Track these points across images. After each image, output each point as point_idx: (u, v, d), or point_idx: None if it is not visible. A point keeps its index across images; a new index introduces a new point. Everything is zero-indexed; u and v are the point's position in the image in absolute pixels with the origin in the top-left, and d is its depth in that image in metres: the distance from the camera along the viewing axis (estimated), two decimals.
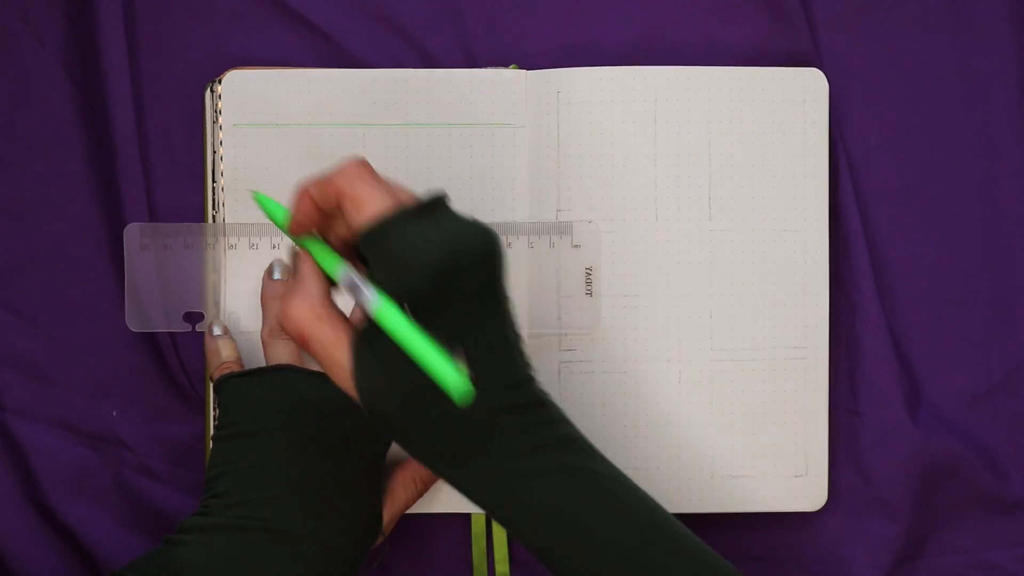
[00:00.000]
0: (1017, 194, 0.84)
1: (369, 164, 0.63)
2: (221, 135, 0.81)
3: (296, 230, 0.65)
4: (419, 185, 0.80)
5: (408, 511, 0.79)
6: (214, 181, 0.81)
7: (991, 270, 0.84)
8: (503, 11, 0.83)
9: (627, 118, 0.81)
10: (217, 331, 0.79)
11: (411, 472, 0.76)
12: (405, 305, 0.61)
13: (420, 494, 0.77)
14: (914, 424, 0.82)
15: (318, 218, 0.64)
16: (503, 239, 0.80)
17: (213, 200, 0.81)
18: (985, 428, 0.84)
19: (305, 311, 0.63)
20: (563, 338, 0.81)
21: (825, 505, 0.82)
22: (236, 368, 0.77)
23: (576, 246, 0.80)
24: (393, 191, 0.63)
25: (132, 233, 0.79)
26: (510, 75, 0.81)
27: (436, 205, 0.63)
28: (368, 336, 0.61)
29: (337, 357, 0.63)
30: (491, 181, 0.81)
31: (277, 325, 0.77)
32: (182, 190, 0.82)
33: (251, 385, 0.73)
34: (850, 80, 0.83)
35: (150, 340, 0.82)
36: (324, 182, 0.63)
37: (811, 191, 0.81)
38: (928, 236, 0.84)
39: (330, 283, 0.65)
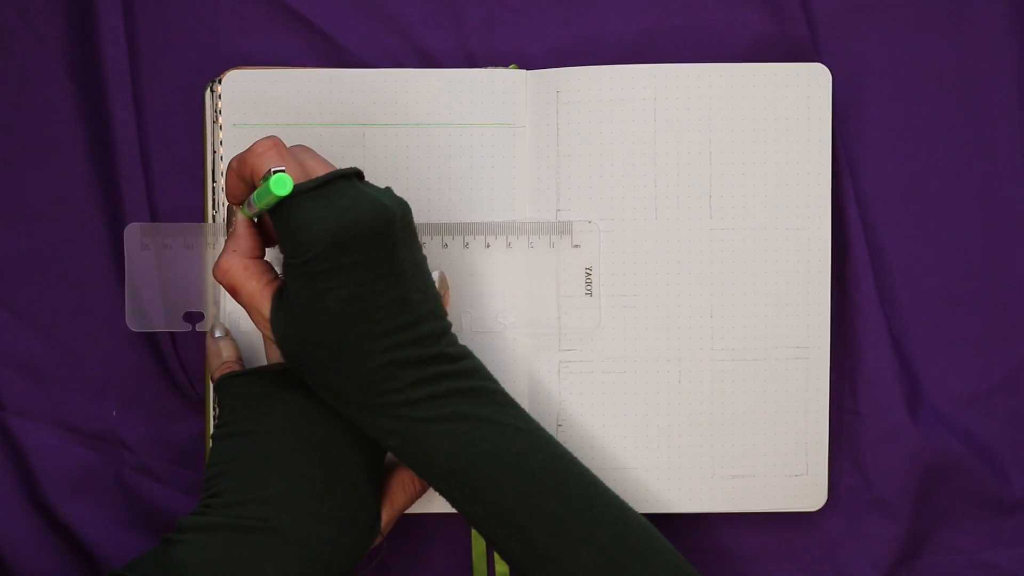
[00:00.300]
0: (1017, 194, 0.84)
1: (280, 143, 0.69)
2: (221, 135, 0.81)
3: (230, 199, 0.72)
4: (419, 184, 0.81)
5: (407, 511, 0.79)
6: (214, 181, 0.81)
7: (991, 270, 0.84)
8: (503, 11, 0.83)
9: (627, 117, 0.81)
10: (219, 333, 0.78)
11: (409, 473, 0.76)
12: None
13: (418, 495, 0.77)
14: (914, 424, 0.82)
15: (244, 188, 0.70)
16: (504, 238, 0.80)
17: (213, 200, 0.81)
18: (985, 428, 0.84)
19: (235, 263, 0.70)
20: (563, 338, 0.81)
21: (825, 505, 0.81)
22: (237, 368, 0.77)
23: (576, 246, 0.80)
24: (303, 167, 0.69)
25: (132, 233, 0.79)
26: (510, 75, 0.81)
27: (336, 181, 0.68)
28: (285, 291, 0.68)
29: (260, 307, 0.69)
30: (491, 181, 0.81)
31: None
32: (182, 190, 0.82)
33: (251, 385, 0.73)
34: (850, 80, 0.83)
35: (150, 340, 0.82)
36: (241, 159, 0.69)
37: (813, 188, 0.81)
38: (928, 236, 0.84)
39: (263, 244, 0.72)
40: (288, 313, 0.68)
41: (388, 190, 0.70)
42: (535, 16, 0.83)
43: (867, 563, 0.83)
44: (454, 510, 0.78)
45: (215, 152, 0.81)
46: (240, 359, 0.78)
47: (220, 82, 0.80)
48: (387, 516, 0.75)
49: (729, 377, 0.81)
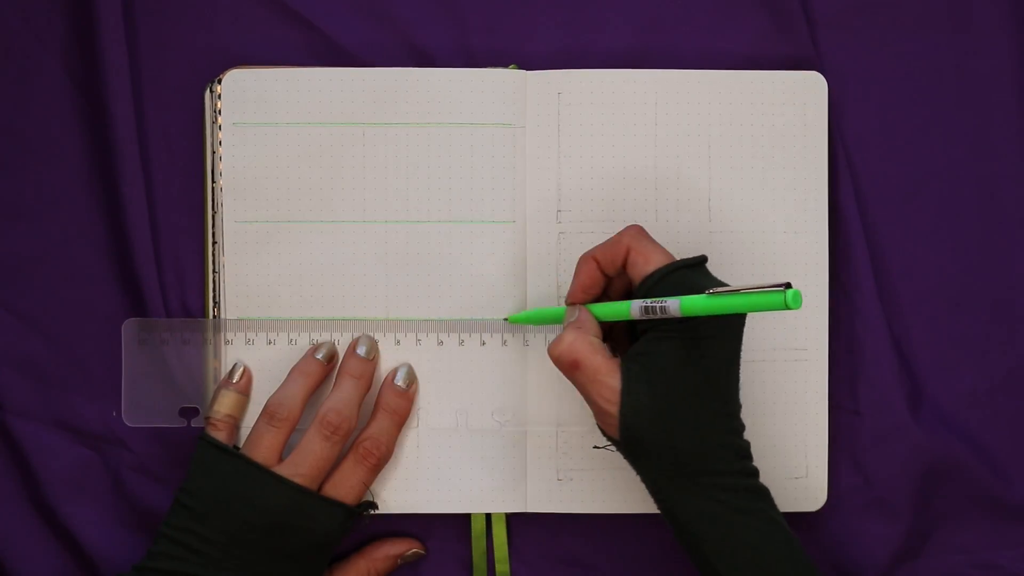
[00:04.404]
0: (1017, 194, 0.84)
1: (644, 229, 0.73)
2: (220, 135, 0.81)
3: (578, 297, 0.75)
4: (419, 184, 0.81)
5: (408, 511, 0.79)
6: (213, 181, 0.81)
7: (991, 271, 0.84)
8: (503, 11, 0.83)
9: (627, 120, 0.81)
10: (236, 378, 0.79)
11: (370, 564, 0.80)
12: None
13: None
14: (914, 424, 0.82)
15: (600, 280, 0.74)
16: (500, 335, 0.81)
17: (212, 200, 0.81)
18: (985, 428, 0.84)
19: (584, 343, 0.71)
20: None
21: (825, 505, 0.82)
22: (225, 432, 0.78)
23: None
24: (664, 250, 0.72)
25: (130, 328, 0.80)
26: (510, 75, 0.81)
27: (701, 263, 0.72)
28: (638, 361, 0.70)
29: (608, 381, 0.70)
30: (491, 181, 0.81)
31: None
32: (182, 190, 0.82)
33: (225, 467, 0.75)
34: (850, 81, 0.83)
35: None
36: (611, 244, 0.73)
37: (810, 193, 0.81)
38: (928, 236, 0.84)
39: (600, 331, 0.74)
40: (645, 382, 0.70)
41: None
42: (535, 16, 0.83)
43: (867, 563, 0.83)
44: (455, 510, 0.79)
45: (214, 152, 0.81)
46: (233, 419, 0.79)
47: (220, 82, 0.80)
48: None
49: None
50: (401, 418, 0.79)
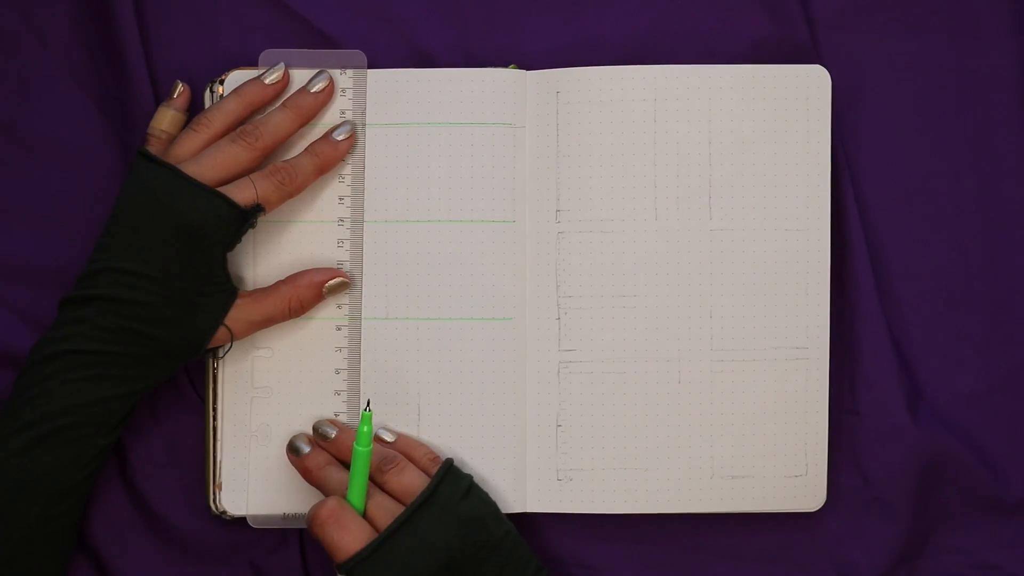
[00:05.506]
0: (1017, 194, 0.84)
1: (340, 507, 0.74)
2: None
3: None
4: (419, 184, 0.81)
5: None
6: None
7: (991, 270, 0.84)
8: (503, 11, 0.83)
9: (627, 118, 0.81)
10: (174, 95, 0.80)
11: (292, 290, 0.78)
12: None
13: (289, 315, 0.79)
14: (914, 424, 0.82)
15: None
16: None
17: None
18: (985, 428, 0.84)
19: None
20: (563, 338, 0.81)
21: (824, 505, 0.82)
22: (157, 147, 0.78)
23: None
24: (364, 527, 0.74)
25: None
26: (510, 75, 0.81)
27: (388, 541, 0.73)
28: None
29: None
30: (491, 181, 0.81)
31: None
32: None
33: (146, 171, 0.75)
34: (850, 80, 0.83)
35: None
36: (308, 523, 0.74)
37: (813, 189, 0.81)
38: (928, 236, 0.84)
39: None
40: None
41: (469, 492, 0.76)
42: (535, 16, 0.83)
43: (867, 563, 0.83)
44: None
45: None
46: (171, 138, 0.78)
47: (221, 82, 0.80)
48: (245, 318, 0.77)
49: (729, 377, 0.81)
50: (324, 164, 0.79)
